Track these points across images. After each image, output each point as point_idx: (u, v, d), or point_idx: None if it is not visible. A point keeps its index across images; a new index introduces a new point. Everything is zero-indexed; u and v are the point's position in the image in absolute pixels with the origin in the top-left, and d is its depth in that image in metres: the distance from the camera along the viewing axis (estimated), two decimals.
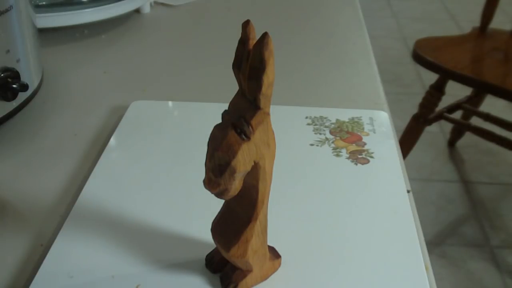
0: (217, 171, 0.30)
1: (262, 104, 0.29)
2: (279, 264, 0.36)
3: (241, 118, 0.29)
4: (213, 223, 0.34)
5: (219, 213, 0.34)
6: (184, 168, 0.46)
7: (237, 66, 0.30)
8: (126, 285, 0.35)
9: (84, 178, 0.46)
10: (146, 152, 0.48)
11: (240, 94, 0.31)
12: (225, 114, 0.31)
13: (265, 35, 0.28)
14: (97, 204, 0.41)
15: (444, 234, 1.61)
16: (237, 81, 0.30)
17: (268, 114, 0.30)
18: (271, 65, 0.28)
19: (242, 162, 0.29)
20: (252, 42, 0.29)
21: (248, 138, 0.29)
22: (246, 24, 0.29)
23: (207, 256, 0.36)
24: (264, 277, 0.35)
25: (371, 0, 3.24)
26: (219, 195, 0.31)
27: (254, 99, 0.29)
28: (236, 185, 0.30)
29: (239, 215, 0.33)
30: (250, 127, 0.29)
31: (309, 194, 0.43)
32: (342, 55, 0.70)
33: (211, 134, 0.30)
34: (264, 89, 0.29)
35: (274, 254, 0.36)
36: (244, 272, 0.34)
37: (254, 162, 0.30)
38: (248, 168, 0.30)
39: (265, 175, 0.31)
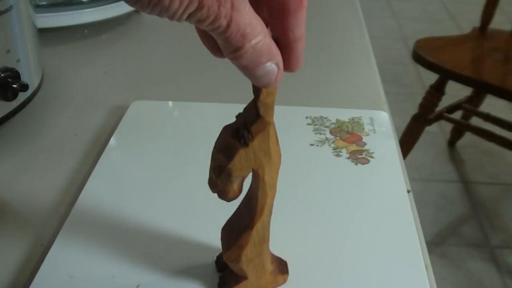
0: (217, 171, 0.30)
1: (262, 112, 0.29)
2: (284, 280, 0.35)
3: (245, 127, 0.29)
4: (226, 222, 0.34)
5: (233, 214, 0.34)
6: (184, 168, 0.46)
7: None
8: (126, 285, 0.35)
9: (84, 178, 0.46)
10: (146, 152, 0.48)
11: (253, 101, 0.30)
12: (237, 117, 0.31)
13: None
14: (97, 204, 0.41)
15: (444, 234, 1.61)
16: None
17: (270, 123, 0.29)
18: None
19: (239, 167, 0.29)
20: None
21: (246, 144, 0.29)
22: None
23: (219, 254, 0.36)
24: None
25: (371, 0, 3.24)
26: (219, 195, 0.31)
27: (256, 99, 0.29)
28: (234, 189, 0.30)
29: (242, 220, 0.33)
30: (249, 134, 0.29)
31: (309, 194, 0.43)
32: (342, 55, 0.70)
33: (219, 134, 0.31)
34: (262, 96, 0.28)
35: (281, 268, 0.35)
36: (238, 278, 0.34)
37: (253, 170, 0.30)
38: (245, 174, 0.30)
39: (265, 186, 0.31)
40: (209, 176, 0.31)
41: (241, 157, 0.29)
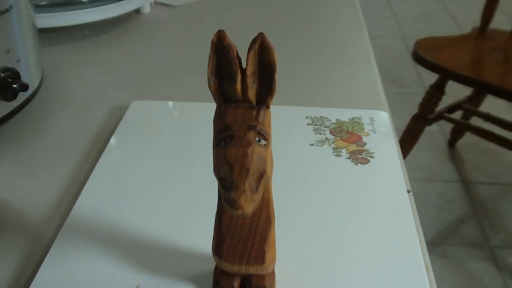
0: (255, 187, 0.28)
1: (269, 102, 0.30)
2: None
3: (256, 126, 0.29)
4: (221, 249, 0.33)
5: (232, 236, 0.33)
6: (184, 168, 0.46)
7: (231, 78, 0.29)
8: (126, 285, 0.35)
9: (84, 178, 0.46)
10: (146, 152, 0.48)
11: (233, 107, 0.30)
12: (229, 134, 0.29)
13: (263, 39, 0.28)
14: (97, 204, 0.41)
15: (444, 234, 1.61)
16: (227, 94, 0.30)
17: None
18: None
19: (270, 164, 0.29)
20: (234, 49, 0.29)
21: (268, 141, 0.29)
22: (223, 35, 0.28)
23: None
24: None
25: (371, 0, 3.24)
26: (245, 213, 0.29)
27: (264, 100, 0.29)
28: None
29: (258, 225, 0.32)
30: (266, 131, 0.29)
31: (308, 194, 0.43)
32: (342, 55, 0.70)
33: (227, 157, 0.28)
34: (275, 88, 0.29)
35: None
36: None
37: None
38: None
39: (268, 180, 0.31)
40: (241, 200, 0.28)
41: (270, 154, 0.30)
